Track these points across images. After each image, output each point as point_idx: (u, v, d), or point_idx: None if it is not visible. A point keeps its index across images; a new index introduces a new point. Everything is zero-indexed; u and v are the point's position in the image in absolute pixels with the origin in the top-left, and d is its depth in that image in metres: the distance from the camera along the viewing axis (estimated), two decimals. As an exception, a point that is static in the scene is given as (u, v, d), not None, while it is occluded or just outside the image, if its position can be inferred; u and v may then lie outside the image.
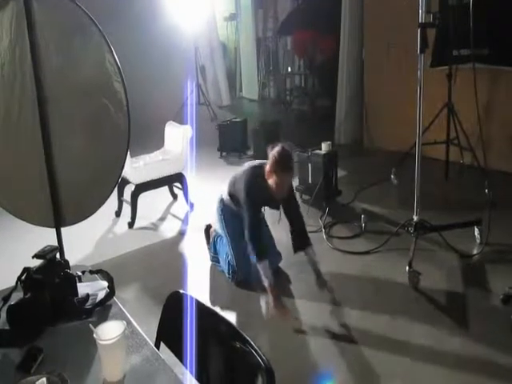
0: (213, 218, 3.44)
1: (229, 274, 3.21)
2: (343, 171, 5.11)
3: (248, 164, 3.11)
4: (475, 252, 3.42)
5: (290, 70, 9.42)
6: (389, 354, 2.48)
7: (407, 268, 3.08)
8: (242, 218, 3.12)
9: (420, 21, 3.10)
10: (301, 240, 3.01)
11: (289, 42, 9.20)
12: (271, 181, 2.86)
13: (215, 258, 3.43)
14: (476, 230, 3.54)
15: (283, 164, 2.83)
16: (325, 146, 4.45)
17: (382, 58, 5.76)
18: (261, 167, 2.95)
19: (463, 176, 4.90)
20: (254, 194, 2.92)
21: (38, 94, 2.49)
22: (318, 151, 4.46)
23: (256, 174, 2.94)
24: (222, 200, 3.25)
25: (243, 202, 2.93)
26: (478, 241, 3.51)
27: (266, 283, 2.80)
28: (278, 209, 3.14)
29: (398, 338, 2.59)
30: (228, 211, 3.22)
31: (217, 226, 3.37)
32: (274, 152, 2.86)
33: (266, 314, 2.78)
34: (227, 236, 3.22)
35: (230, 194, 3.15)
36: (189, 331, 1.42)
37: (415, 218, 3.31)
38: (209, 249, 3.52)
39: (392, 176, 4.88)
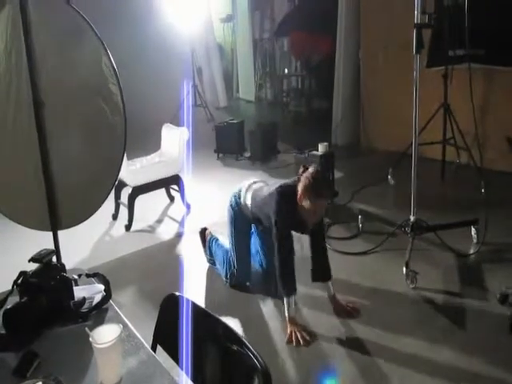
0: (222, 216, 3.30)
1: (226, 277, 3.20)
2: (340, 172, 5.12)
3: (278, 184, 2.81)
4: (472, 251, 3.42)
5: (286, 71, 9.43)
6: (385, 353, 2.48)
7: (404, 268, 3.09)
8: (251, 223, 3.10)
9: (415, 21, 3.11)
10: (321, 272, 2.87)
11: (285, 43, 9.21)
12: (303, 205, 2.62)
13: (211, 261, 3.43)
14: (473, 229, 3.55)
15: (318, 190, 2.60)
16: (322, 147, 4.45)
17: (378, 58, 5.77)
18: (292, 187, 2.69)
19: (459, 176, 4.91)
20: (286, 217, 2.68)
21: (34, 98, 2.49)
22: (314, 152, 4.46)
23: (288, 195, 2.68)
24: (238, 203, 3.06)
25: (275, 226, 2.68)
26: (475, 240, 3.52)
27: (286, 314, 2.68)
28: (305, 233, 2.89)
29: (395, 338, 2.59)
30: (241, 215, 3.07)
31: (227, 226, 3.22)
32: (307, 175, 2.62)
33: (294, 341, 2.60)
34: (233, 237, 3.13)
35: (252, 210, 2.96)
36: (185, 333, 1.42)
37: (412, 218, 3.31)
38: (205, 252, 3.51)
39: (389, 176, 4.89)
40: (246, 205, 3.01)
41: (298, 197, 2.63)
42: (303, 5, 8.47)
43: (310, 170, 2.66)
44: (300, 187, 2.63)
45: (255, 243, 3.28)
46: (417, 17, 3.10)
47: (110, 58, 2.48)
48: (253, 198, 2.95)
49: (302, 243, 3.03)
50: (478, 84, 4.56)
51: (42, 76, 2.49)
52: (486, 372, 2.33)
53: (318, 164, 4.32)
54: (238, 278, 3.16)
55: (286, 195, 2.69)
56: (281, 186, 2.75)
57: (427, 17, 3.19)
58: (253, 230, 3.25)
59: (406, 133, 3.58)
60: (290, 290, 2.68)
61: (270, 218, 2.74)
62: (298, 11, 8.45)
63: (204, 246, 3.52)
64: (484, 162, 3.90)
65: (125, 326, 1.43)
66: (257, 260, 3.28)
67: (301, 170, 2.72)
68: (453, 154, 4.86)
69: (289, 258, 2.70)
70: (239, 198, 3.06)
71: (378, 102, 5.94)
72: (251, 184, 3.06)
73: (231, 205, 3.11)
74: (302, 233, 2.90)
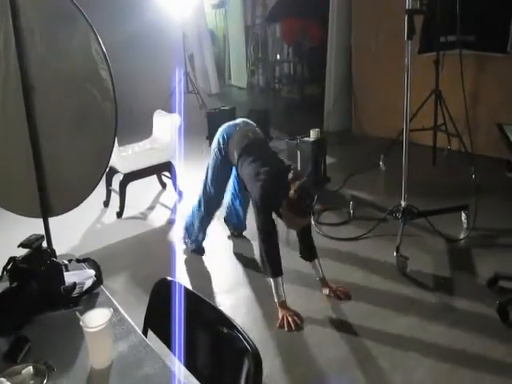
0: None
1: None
2: (332, 158, 5.13)
3: (266, 167, 2.75)
4: (462, 237, 3.46)
5: (278, 57, 9.39)
6: (375, 337, 2.51)
7: (395, 253, 3.11)
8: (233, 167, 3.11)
9: (407, 7, 3.10)
10: (307, 253, 2.90)
11: (277, 29, 9.15)
12: (290, 211, 2.62)
13: (192, 238, 3.46)
14: (463, 214, 3.57)
15: (303, 208, 2.60)
16: (313, 134, 4.45)
17: (369, 44, 5.75)
18: (284, 177, 2.66)
19: (450, 162, 4.94)
20: (272, 203, 2.68)
21: (23, 83, 2.47)
22: (306, 139, 4.47)
23: (276, 187, 2.65)
24: (225, 150, 3.03)
25: (258, 208, 2.69)
26: (465, 225, 3.55)
27: (276, 299, 2.70)
28: None
29: (385, 323, 2.62)
30: (225, 160, 3.06)
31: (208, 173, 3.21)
32: (296, 187, 2.56)
33: (285, 325, 2.62)
34: (213, 178, 3.15)
35: (238, 169, 2.98)
36: (177, 317, 1.43)
37: (403, 203, 3.33)
38: (184, 239, 3.55)
39: (380, 162, 4.91)
40: (233, 155, 2.99)
41: (287, 202, 2.59)
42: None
43: (298, 183, 2.60)
44: (290, 197, 2.57)
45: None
46: (408, 3, 3.09)
47: (100, 43, 2.46)
48: (240, 159, 2.91)
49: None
50: (469, 70, 4.57)
51: (32, 61, 2.47)
52: (474, 356, 2.36)
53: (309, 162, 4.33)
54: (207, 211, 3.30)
55: (273, 189, 2.66)
56: (269, 176, 2.68)
57: (418, 3, 3.19)
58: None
59: (398, 119, 3.59)
60: (276, 271, 2.68)
61: (252, 193, 2.75)
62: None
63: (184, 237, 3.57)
64: (475, 148, 3.91)
65: (116, 310, 1.44)
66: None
67: (291, 175, 2.65)
68: (444, 141, 4.88)
69: (272, 242, 2.71)
70: (226, 145, 3.03)
71: (369, 88, 5.93)
72: (241, 134, 3.02)
73: (219, 149, 3.08)
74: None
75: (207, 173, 3.22)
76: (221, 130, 3.15)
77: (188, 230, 3.50)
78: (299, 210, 2.60)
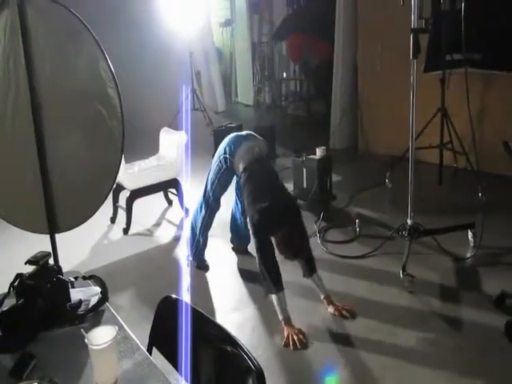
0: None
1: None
2: (338, 176, 5.13)
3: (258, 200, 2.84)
4: (469, 255, 3.44)
5: (285, 75, 9.45)
6: (380, 357, 2.49)
7: (401, 272, 3.10)
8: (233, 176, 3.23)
9: (412, 26, 3.12)
10: (305, 266, 2.89)
11: (284, 47, 9.23)
12: (279, 246, 2.77)
13: (198, 259, 3.50)
14: (469, 233, 3.56)
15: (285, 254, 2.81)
16: (319, 151, 4.47)
17: (375, 62, 5.78)
18: (281, 212, 2.81)
19: (457, 180, 4.93)
20: (268, 228, 2.78)
21: (32, 101, 2.49)
22: (312, 156, 4.48)
23: (274, 218, 2.77)
24: (231, 161, 3.14)
25: (255, 230, 2.80)
26: (472, 244, 3.53)
27: (280, 317, 2.68)
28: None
29: (392, 341, 2.60)
30: (229, 171, 3.19)
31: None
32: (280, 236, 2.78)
33: (291, 343, 2.60)
34: (213, 185, 3.26)
35: (240, 182, 3.10)
36: (184, 336, 1.43)
37: (409, 221, 3.32)
38: (188, 257, 3.57)
39: (386, 180, 4.90)
40: (238, 167, 3.09)
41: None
42: (301, 9, 8.50)
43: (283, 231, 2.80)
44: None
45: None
46: (413, 22, 3.12)
47: (108, 62, 2.49)
48: (243, 174, 3.01)
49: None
50: (475, 88, 4.58)
51: (40, 80, 2.50)
52: (481, 362, 2.35)
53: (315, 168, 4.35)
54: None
55: (269, 219, 2.75)
56: (268, 207, 2.75)
57: (424, 22, 3.21)
58: None
59: (404, 137, 3.59)
60: (277, 286, 2.69)
61: (249, 213, 2.85)
62: (296, 15, 8.46)
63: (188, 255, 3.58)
64: (481, 166, 3.90)
65: (121, 327, 1.44)
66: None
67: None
68: (450, 158, 4.88)
69: (270, 258, 2.72)
70: (233, 156, 3.13)
71: (375, 106, 5.95)
72: (248, 148, 3.11)
73: (224, 158, 3.17)
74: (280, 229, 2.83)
75: (208, 179, 3.30)
76: (228, 139, 3.26)
77: (191, 233, 3.50)
78: (283, 252, 2.77)
